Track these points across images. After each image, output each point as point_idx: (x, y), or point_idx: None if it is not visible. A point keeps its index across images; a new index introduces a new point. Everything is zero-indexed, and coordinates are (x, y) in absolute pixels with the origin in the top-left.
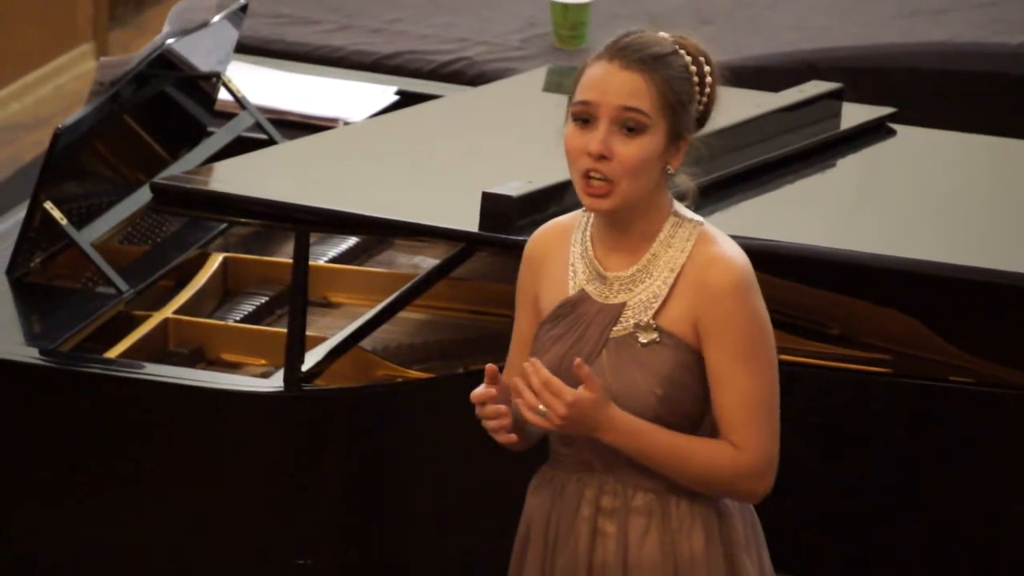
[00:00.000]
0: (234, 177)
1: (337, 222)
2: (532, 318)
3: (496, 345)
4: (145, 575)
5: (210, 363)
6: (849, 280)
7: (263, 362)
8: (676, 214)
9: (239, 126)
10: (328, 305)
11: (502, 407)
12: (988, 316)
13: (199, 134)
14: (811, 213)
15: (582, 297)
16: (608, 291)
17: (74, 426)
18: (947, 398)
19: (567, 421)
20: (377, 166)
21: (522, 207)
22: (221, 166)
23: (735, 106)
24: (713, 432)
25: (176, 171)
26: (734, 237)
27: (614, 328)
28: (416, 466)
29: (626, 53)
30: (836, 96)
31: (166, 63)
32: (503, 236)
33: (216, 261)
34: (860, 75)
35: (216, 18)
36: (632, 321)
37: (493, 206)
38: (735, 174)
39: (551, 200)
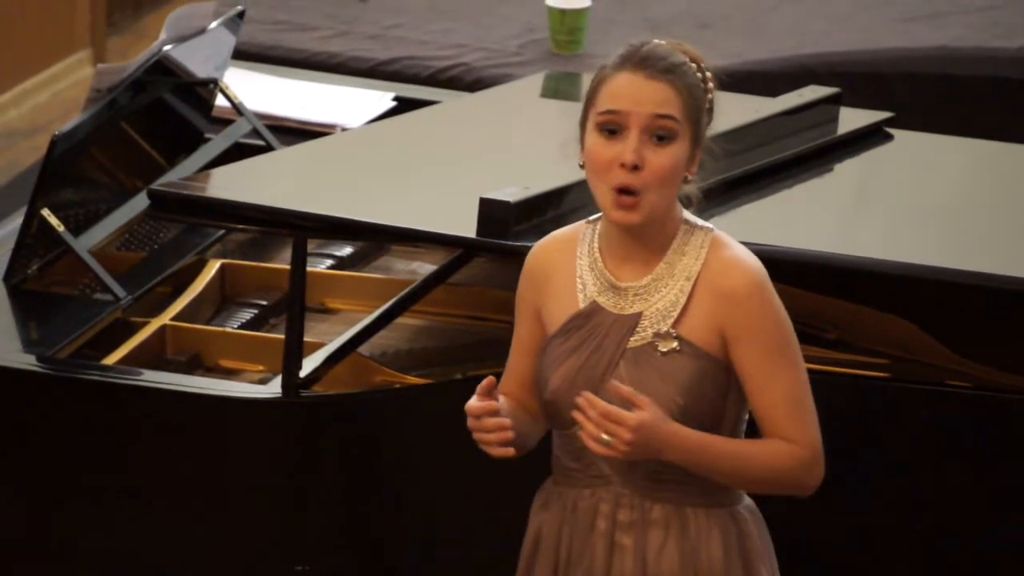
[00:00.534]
0: (231, 183)
1: (335, 228)
2: (533, 328)
3: (494, 351)
4: None
5: (208, 369)
6: (846, 285)
7: (261, 368)
8: (687, 221)
9: (236, 132)
10: (326, 311)
11: (506, 420)
12: (986, 320)
13: (196, 140)
14: (809, 218)
15: (595, 309)
16: (623, 302)
17: (71, 433)
18: (944, 402)
19: (633, 447)
20: (375, 172)
21: (520, 213)
22: (218, 172)
23: (733, 111)
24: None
25: (173, 177)
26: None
27: (631, 339)
28: (414, 472)
29: (650, 62)
30: (834, 101)
31: (163, 69)
32: (501, 242)
33: (214, 267)
34: (858, 80)
35: (213, 24)
36: (650, 331)
37: (491, 212)
38: (733, 179)
39: (549, 206)
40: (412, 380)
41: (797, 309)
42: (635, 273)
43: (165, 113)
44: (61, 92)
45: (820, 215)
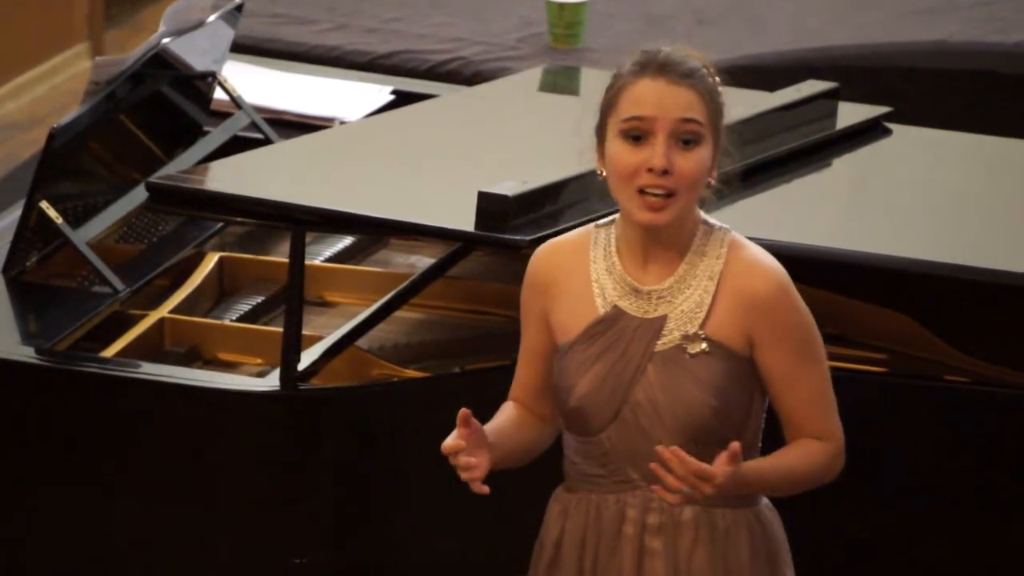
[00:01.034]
0: (230, 176)
1: (333, 221)
2: (541, 335)
3: (492, 344)
4: (139, 571)
5: (206, 362)
6: (845, 280)
7: (259, 361)
8: (705, 222)
9: (235, 125)
10: (324, 304)
11: (472, 460)
12: (983, 315)
13: (195, 133)
14: (807, 212)
15: (617, 314)
16: (647, 305)
17: (70, 425)
18: (942, 397)
19: (709, 498)
20: (373, 166)
21: (518, 206)
22: (217, 165)
23: (731, 106)
24: (754, 440)
25: (172, 170)
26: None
27: (658, 342)
28: (412, 465)
29: (670, 67)
30: (832, 95)
31: (162, 62)
32: (499, 236)
33: (212, 260)
34: (856, 74)
35: (212, 17)
36: (678, 333)
37: (489, 205)
38: (731, 173)
39: (547, 200)
40: (410, 373)
41: None
42: (657, 276)
43: (163, 106)
44: (59, 85)
45: (818, 210)
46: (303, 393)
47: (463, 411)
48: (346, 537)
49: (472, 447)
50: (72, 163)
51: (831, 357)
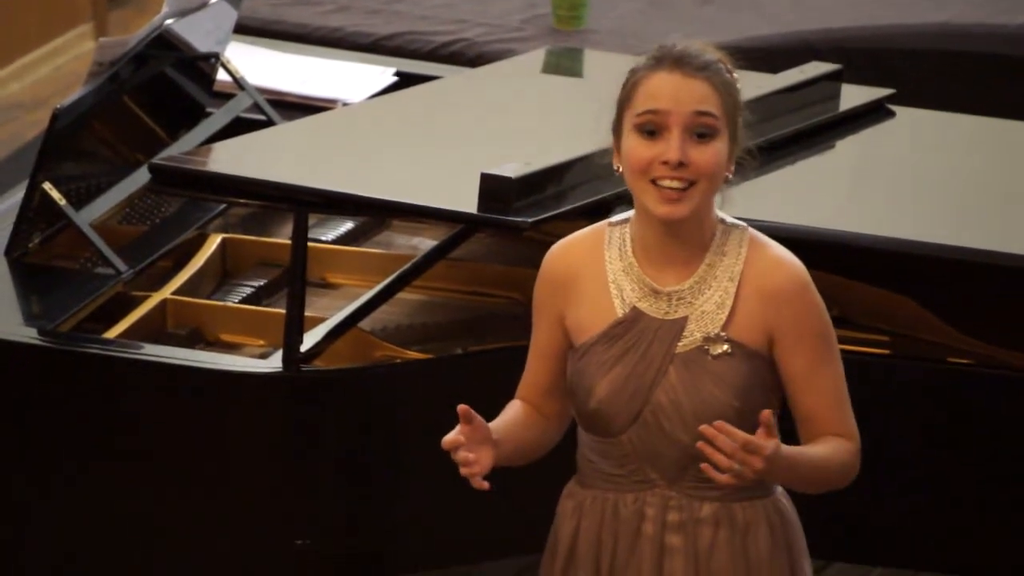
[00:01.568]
0: (233, 158)
1: (336, 203)
2: (554, 334)
3: (494, 326)
4: (142, 555)
5: (209, 344)
6: (848, 261)
7: (262, 343)
8: (722, 221)
9: (238, 107)
10: (327, 286)
11: (471, 456)
12: (987, 297)
13: (198, 115)
14: (809, 194)
15: (637, 315)
16: (667, 306)
17: (72, 406)
18: (945, 379)
19: (760, 474)
20: (376, 147)
21: (521, 188)
22: (220, 147)
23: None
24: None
25: (175, 152)
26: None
27: (679, 343)
28: (414, 446)
29: (686, 60)
30: (835, 77)
31: (165, 44)
32: (502, 217)
33: (215, 242)
34: (859, 56)
35: None
36: (699, 334)
37: (492, 187)
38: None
39: (550, 181)
40: (413, 355)
41: None
42: (676, 276)
43: (167, 87)
44: (63, 66)
45: (821, 192)
46: (305, 375)
47: (462, 407)
48: (348, 519)
49: (474, 443)
50: (75, 144)
51: None
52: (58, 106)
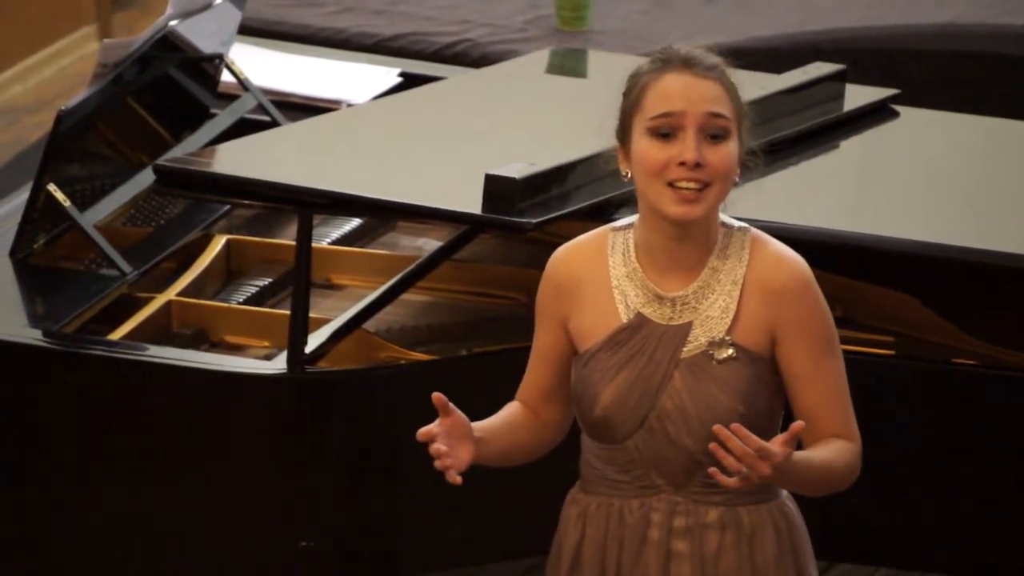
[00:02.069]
0: (237, 159)
1: (340, 204)
2: (556, 338)
3: (499, 327)
4: (147, 556)
5: (213, 345)
6: (852, 262)
7: (266, 344)
8: (724, 224)
9: (242, 108)
10: (331, 287)
11: (443, 448)
12: (990, 298)
13: (202, 116)
14: (814, 195)
15: (642, 321)
16: (671, 312)
17: (77, 408)
18: (950, 379)
19: (767, 479)
20: (380, 148)
21: (525, 189)
22: (224, 148)
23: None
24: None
25: (179, 153)
26: (736, 219)
27: (684, 348)
28: (419, 448)
29: (696, 62)
30: (839, 78)
31: (169, 45)
32: (506, 218)
33: (219, 243)
34: (863, 56)
35: (219, 0)
36: (704, 339)
37: (496, 188)
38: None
39: (554, 182)
40: (417, 356)
41: None
42: (680, 282)
43: (171, 88)
44: (67, 67)
45: (825, 192)
46: (310, 376)
47: (437, 396)
48: (353, 521)
49: (453, 438)
50: (79, 146)
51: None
52: (62, 108)
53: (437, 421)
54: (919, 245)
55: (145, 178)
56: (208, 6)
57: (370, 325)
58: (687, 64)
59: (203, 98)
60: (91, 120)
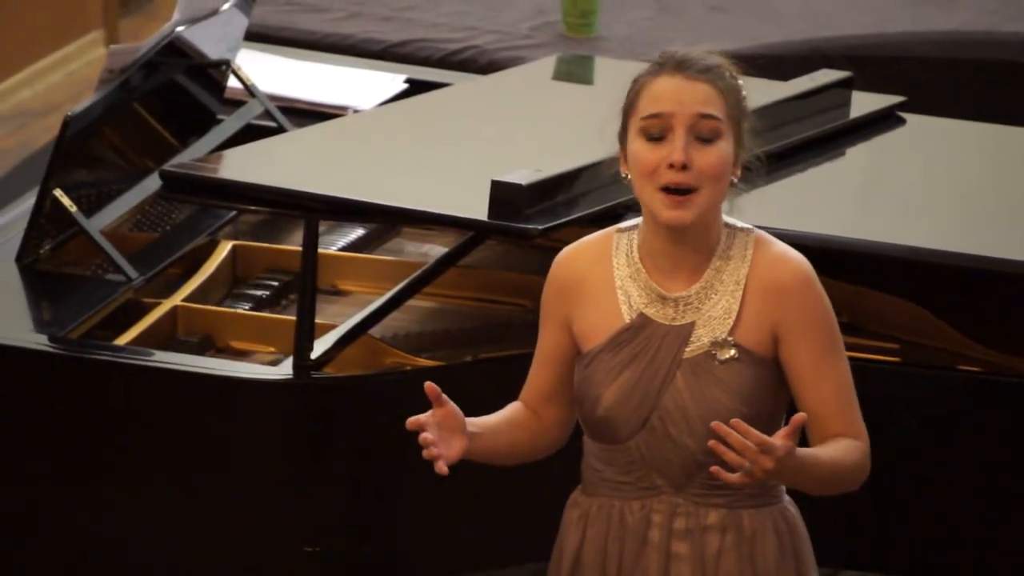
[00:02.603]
0: (243, 165)
1: (346, 210)
2: (560, 339)
3: (504, 333)
4: (153, 561)
5: (219, 351)
6: (858, 269)
7: (272, 350)
8: (728, 225)
9: (248, 114)
10: (337, 293)
11: (429, 437)
12: (997, 305)
13: (209, 122)
14: (820, 202)
15: (644, 321)
16: (674, 312)
17: (83, 413)
18: (955, 386)
19: (770, 475)
20: (386, 154)
21: (531, 195)
22: (230, 154)
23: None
24: None
25: (186, 159)
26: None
27: (686, 349)
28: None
29: (688, 64)
30: (846, 85)
31: (176, 51)
32: (512, 224)
33: (225, 249)
34: (870, 64)
35: (226, 6)
36: (707, 340)
37: (502, 194)
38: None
39: (560, 188)
40: (423, 362)
41: None
42: (683, 282)
43: (177, 94)
44: (74, 73)
45: (832, 199)
46: (316, 381)
47: (429, 385)
48: (359, 526)
49: (444, 429)
50: (86, 151)
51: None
52: (69, 113)
53: (429, 412)
54: (925, 252)
55: (151, 184)
56: (215, 12)
57: (376, 331)
58: (680, 67)
59: (210, 104)
60: (98, 125)
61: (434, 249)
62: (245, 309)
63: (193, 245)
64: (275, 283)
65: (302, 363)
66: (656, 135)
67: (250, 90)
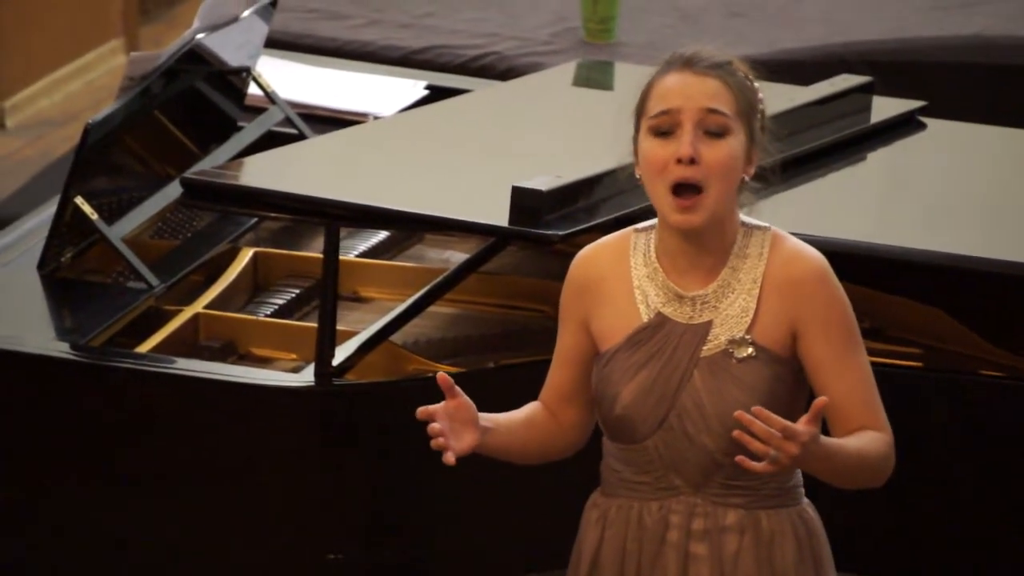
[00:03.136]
0: (264, 172)
1: (367, 216)
2: (578, 339)
3: (526, 339)
4: (175, 568)
5: (241, 358)
6: (879, 274)
7: (294, 356)
8: (744, 223)
9: (269, 121)
10: (358, 299)
11: (437, 427)
12: (1018, 310)
13: (229, 129)
14: (841, 207)
15: (662, 320)
16: (691, 311)
17: (105, 421)
18: (977, 391)
19: (796, 461)
20: (407, 161)
21: (551, 201)
22: (251, 161)
23: (765, 100)
24: None
25: (206, 166)
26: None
27: (704, 347)
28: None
29: (697, 60)
30: (866, 90)
31: (196, 58)
32: (532, 230)
33: (246, 256)
34: (890, 69)
35: (246, 13)
36: (724, 338)
37: (523, 200)
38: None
39: (580, 194)
40: (444, 368)
41: None
42: (699, 281)
43: (198, 101)
44: (94, 81)
45: (853, 204)
46: (338, 388)
47: (441, 375)
48: (381, 534)
49: (456, 421)
50: (107, 159)
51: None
52: (90, 121)
53: (441, 403)
54: (946, 257)
55: (172, 191)
56: (235, 19)
57: (397, 337)
58: (688, 63)
59: (230, 111)
60: (118, 133)
61: (455, 255)
62: (266, 316)
63: (214, 252)
64: (296, 290)
65: (324, 370)
66: (665, 131)
67: (270, 97)
